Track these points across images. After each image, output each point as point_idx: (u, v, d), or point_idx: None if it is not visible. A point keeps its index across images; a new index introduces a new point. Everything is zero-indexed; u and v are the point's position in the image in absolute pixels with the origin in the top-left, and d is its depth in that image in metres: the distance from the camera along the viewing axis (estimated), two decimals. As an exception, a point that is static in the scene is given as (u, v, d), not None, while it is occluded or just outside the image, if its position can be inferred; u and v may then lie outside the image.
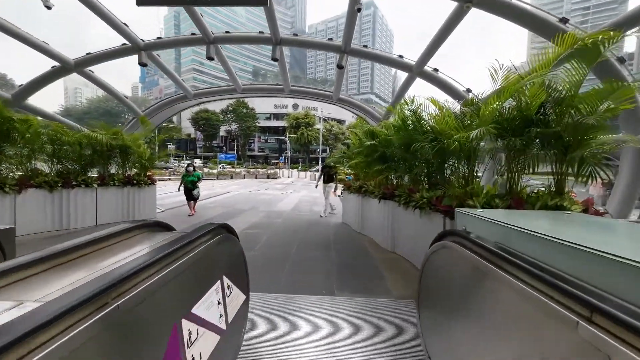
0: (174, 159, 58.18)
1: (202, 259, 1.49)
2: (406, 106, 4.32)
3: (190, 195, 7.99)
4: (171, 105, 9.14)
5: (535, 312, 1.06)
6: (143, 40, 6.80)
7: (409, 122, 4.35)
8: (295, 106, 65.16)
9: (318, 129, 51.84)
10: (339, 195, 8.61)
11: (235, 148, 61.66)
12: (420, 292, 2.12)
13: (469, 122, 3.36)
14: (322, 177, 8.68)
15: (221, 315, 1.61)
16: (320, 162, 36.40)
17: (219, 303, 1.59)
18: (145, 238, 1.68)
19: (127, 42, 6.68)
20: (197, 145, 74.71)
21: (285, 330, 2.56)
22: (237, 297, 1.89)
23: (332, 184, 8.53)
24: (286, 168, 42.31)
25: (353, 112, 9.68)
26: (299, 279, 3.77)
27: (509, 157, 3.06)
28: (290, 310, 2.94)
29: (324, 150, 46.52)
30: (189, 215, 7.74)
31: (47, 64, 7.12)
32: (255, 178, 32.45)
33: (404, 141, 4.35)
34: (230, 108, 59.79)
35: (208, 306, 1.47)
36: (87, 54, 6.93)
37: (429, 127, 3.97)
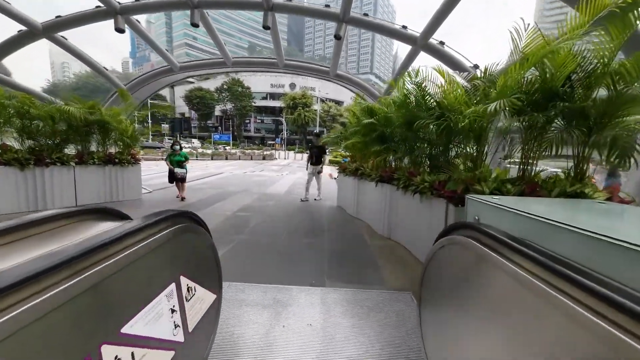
0: (168, 139, 57.08)
1: (148, 257, 1.15)
2: (409, 80, 3.88)
3: (173, 175, 7.19)
4: (156, 79, 8.52)
5: (585, 335, 0.76)
6: (119, 3, 6.14)
7: (412, 97, 3.93)
8: (292, 86, 63.45)
9: (315, 110, 50.72)
10: (334, 178, 8.27)
11: (231, 128, 60.46)
12: (422, 292, 1.82)
13: (479, 97, 2.96)
14: (310, 158, 7.83)
15: (177, 326, 1.30)
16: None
17: (172, 311, 1.27)
18: (78, 228, 1.32)
19: (101, 5, 6.02)
20: (192, 125, 73.20)
21: (269, 325, 2.29)
22: (202, 299, 1.57)
23: (320, 167, 7.82)
24: (282, 149, 41.67)
25: (351, 90, 9.15)
26: (288, 267, 3.49)
27: (526, 137, 2.70)
28: (276, 303, 2.67)
29: (321, 132, 45.71)
30: (182, 199, 7.23)
31: (13, 29, 6.45)
32: (251, 159, 31.93)
33: (406, 119, 3.95)
34: (225, 86, 58.05)
35: (155, 318, 1.15)
36: (57, 17, 6.26)
37: (434, 103, 3.56)
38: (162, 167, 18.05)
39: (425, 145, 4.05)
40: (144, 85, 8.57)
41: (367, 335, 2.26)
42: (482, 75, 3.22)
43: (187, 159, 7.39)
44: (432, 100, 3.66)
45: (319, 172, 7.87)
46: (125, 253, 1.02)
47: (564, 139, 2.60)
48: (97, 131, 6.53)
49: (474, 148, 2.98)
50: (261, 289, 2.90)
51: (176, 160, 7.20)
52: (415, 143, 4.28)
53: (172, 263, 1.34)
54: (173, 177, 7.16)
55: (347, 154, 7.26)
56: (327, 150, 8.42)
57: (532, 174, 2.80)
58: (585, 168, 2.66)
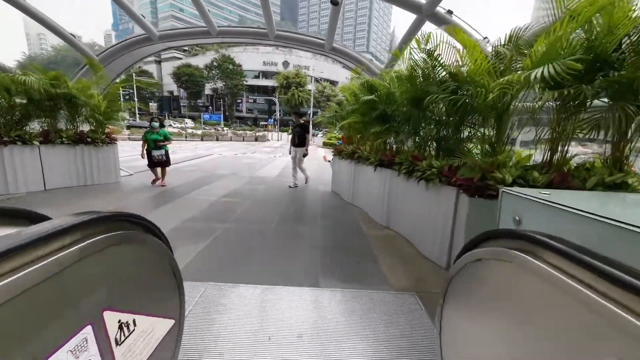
0: (158, 118, 54.77)
1: (41, 288, 0.71)
2: (417, 48, 3.36)
3: (153, 159, 6.26)
4: (132, 49, 7.71)
5: None
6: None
7: (420, 69, 3.42)
8: (285, 64, 61.28)
9: (309, 90, 49.21)
10: (328, 161, 7.80)
11: (222, 108, 58.61)
12: (443, 315, 1.43)
13: (504, 67, 2.48)
14: (293, 139, 7.04)
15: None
16: (310, 126, 34.92)
17: (88, 367, 0.84)
18: None
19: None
20: (181, 104, 70.67)
21: (253, 332, 1.91)
22: (150, 332, 1.15)
23: (303, 148, 7.05)
24: (276, 131, 40.66)
25: (348, 67, 8.49)
26: (276, 263, 3.10)
27: (559, 114, 2.27)
28: (262, 306, 2.28)
29: (315, 113, 44.62)
30: (161, 185, 6.51)
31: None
32: (243, 140, 31.08)
33: (412, 95, 3.46)
34: (215, 63, 55.63)
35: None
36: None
37: (447, 75, 3.06)
38: None
39: (433, 125, 3.60)
40: (119, 56, 7.75)
41: (367, 345, 1.90)
42: (505, 42, 2.73)
43: (167, 138, 6.42)
44: (444, 73, 3.16)
45: (304, 154, 7.17)
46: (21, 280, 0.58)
47: (605, 118, 2.18)
48: (65, 107, 5.85)
49: (494, 129, 2.54)
50: (245, 290, 2.51)
51: (152, 140, 6.24)
52: (421, 123, 3.82)
53: (89, 293, 0.90)
54: (152, 160, 6.29)
55: (342, 134, 6.73)
56: (320, 131, 7.77)
57: (562, 159, 2.39)
58: (624, 154, 2.26)
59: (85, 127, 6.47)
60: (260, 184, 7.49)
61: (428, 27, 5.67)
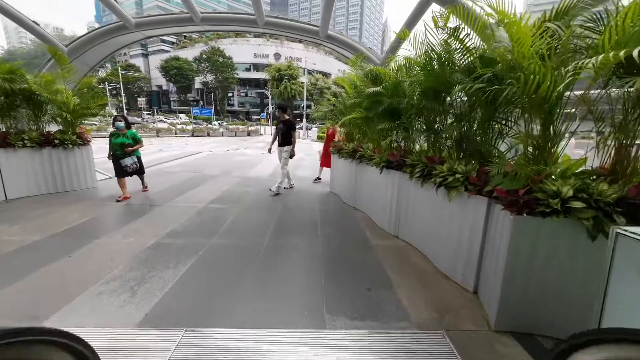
0: (147, 114, 53.22)
1: None
2: (432, 30, 2.78)
3: (121, 168, 5.09)
4: (106, 38, 6.93)
5: None
6: None
7: (437, 54, 2.85)
8: (277, 56, 59.89)
9: (302, 83, 48.10)
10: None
11: (213, 102, 57.19)
12: None
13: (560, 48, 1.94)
14: (276, 137, 6.10)
15: None
16: (304, 119, 34.14)
17: None
18: None
19: None
20: (171, 99, 68.73)
21: None
22: None
23: (289, 148, 6.01)
24: (269, 125, 39.76)
25: (344, 56, 7.86)
26: (271, 293, 2.56)
27: (633, 107, 1.75)
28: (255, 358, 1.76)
29: (308, 106, 43.72)
30: (143, 190, 5.80)
31: None
32: (235, 135, 30.21)
33: (428, 85, 2.90)
34: (204, 56, 53.96)
35: None
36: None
37: (473, 60, 2.49)
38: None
39: (452, 121, 3.05)
40: (92, 47, 6.98)
41: None
42: (551, 17, 2.18)
43: (137, 141, 5.29)
44: (468, 56, 2.59)
45: (290, 155, 6.07)
46: None
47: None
48: (25, 104, 5.14)
49: (541, 125, 2.02)
50: (232, 336, 1.97)
51: (119, 144, 5.02)
52: (436, 118, 3.27)
53: None
54: (119, 169, 5.12)
55: (343, 131, 6.15)
56: (314, 124, 7.01)
57: (631, 164, 1.88)
58: None
59: (55, 127, 5.77)
60: (252, 185, 6.90)
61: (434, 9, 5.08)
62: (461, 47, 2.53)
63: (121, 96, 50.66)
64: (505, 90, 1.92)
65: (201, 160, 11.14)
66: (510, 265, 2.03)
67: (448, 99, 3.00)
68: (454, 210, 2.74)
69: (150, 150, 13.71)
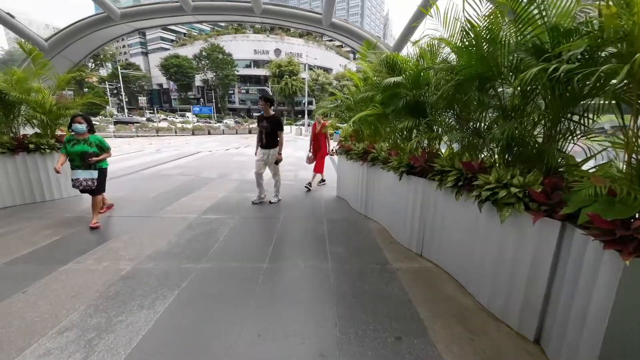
0: (149, 112, 52.52)
1: None
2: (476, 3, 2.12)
3: (75, 184, 3.78)
4: (89, 31, 6.32)
5: None
6: None
7: (485, 30, 2.18)
8: (277, 52, 59.03)
9: (303, 79, 47.21)
10: (331, 154, 6.56)
11: (214, 100, 56.56)
12: None
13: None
14: (260, 137, 4.93)
15: None
16: (306, 116, 33.40)
17: None
18: None
19: None
20: (172, 97, 68.11)
21: None
22: None
23: (274, 152, 4.90)
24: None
25: (349, 45, 7.19)
26: (269, 349, 1.95)
27: None
28: None
29: (309, 102, 42.92)
30: (92, 226, 3.88)
31: None
32: (236, 133, 29.68)
33: (472, 71, 2.24)
34: (204, 53, 53.19)
35: None
36: None
37: (543, 32, 1.82)
38: (134, 147, 15.81)
39: (498, 117, 2.40)
40: (75, 41, 6.37)
41: None
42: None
43: (104, 149, 3.97)
44: (531, 30, 1.92)
45: (276, 161, 4.96)
46: None
47: None
48: (-7, 106, 4.55)
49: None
50: None
51: (77, 152, 3.71)
52: (472, 114, 2.62)
53: None
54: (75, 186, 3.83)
55: (350, 128, 5.49)
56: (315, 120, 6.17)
57: None
58: None
59: (29, 130, 5.18)
60: (252, 190, 6.28)
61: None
62: (521, 15, 1.86)
63: (122, 95, 50.21)
64: (608, 70, 1.27)
65: (199, 161, 10.55)
66: (614, 325, 1.40)
67: (491, 88, 2.34)
68: (505, 233, 2.10)
69: (148, 151, 13.17)
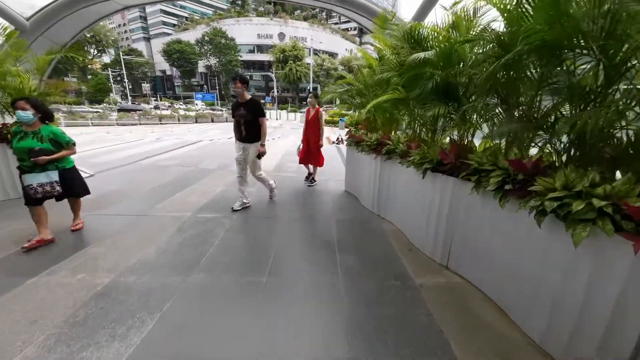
0: (154, 100, 51.77)
1: None
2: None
3: (29, 192, 2.87)
4: (75, 8, 5.74)
5: None
6: None
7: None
8: (281, 36, 57.33)
9: (308, 64, 45.79)
10: (335, 143, 5.97)
11: (217, 87, 55.59)
12: None
13: None
14: (239, 128, 3.99)
15: None
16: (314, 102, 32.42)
17: None
18: None
19: None
20: (175, 84, 67.15)
21: None
22: None
23: (255, 146, 4.02)
24: (274, 109, 38.24)
25: (359, 23, 6.50)
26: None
27: None
28: None
29: (314, 88, 41.74)
30: (23, 248, 2.92)
31: None
32: (239, 121, 28.89)
33: (537, 41, 1.66)
34: (206, 38, 51.80)
35: None
36: None
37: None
38: (135, 135, 15.33)
39: (563, 100, 1.84)
40: (59, 20, 5.80)
41: None
42: None
43: (62, 144, 3.06)
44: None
45: (259, 155, 4.04)
46: None
47: None
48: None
49: None
50: None
51: (25, 150, 2.81)
52: (525, 97, 2.05)
53: None
54: (28, 196, 2.92)
55: (358, 115, 4.90)
56: (320, 106, 5.23)
57: None
58: None
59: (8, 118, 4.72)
60: (252, 183, 5.82)
61: None
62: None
63: (125, 82, 49.51)
64: None
65: (200, 150, 10.08)
66: None
67: (562, 63, 1.76)
68: (576, 257, 1.59)
69: (148, 140, 12.73)
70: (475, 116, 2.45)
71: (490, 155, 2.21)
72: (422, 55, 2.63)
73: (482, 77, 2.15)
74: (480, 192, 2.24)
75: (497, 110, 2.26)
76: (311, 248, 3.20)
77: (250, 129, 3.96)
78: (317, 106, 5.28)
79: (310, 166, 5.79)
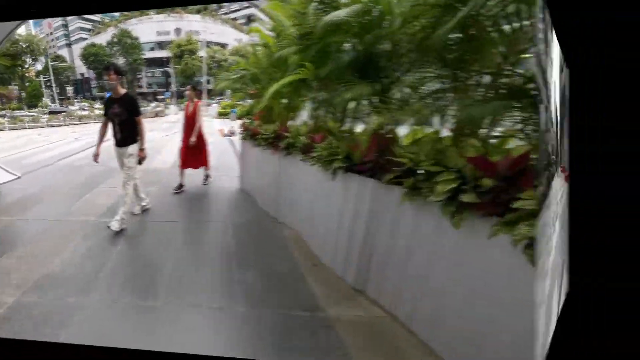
0: (77, 102, 32.78)
1: None
2: None
3: None
4: None
5: None
6: None
7: None
8: (177, 31, 46.03)
9: (201, 57, 37.80)
10: (227, 135, 4.13)
11: (127, 85, 40.47)
12: None
13: None
14: (113, 130, 2.42)
15: None
16: (206, 95, 26.19)
17: None
18: None
19: None
20: (92, 86, 44.72)
21: None
22: None
23: (134, 149, 2.38)
24: (173, 104, 30.00)
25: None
26: None
27: None
28: None
29: (207, 82, 34.91)
30: None
31: None
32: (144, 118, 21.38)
33: None
34: (115, 39, 36.16)
35: None
36: None
37: None
38: (60, 135, 8.36)
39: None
40: None
41: None
42: None
43: None
44: None
45: (140, 160, 2.45)
46: None
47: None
48: None
49: None
50: None
51: None
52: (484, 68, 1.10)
53: None
54: None
55: (256, 104, 3.22)
56: (213, 99, 3.41)
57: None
58: None
59: None
60: (155, 181, 3.21)
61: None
62: None
63: (53, 87, 29.51)
64: None
65: (111, 147, 5.84)
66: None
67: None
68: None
69: (67, 140, 7.31)
70: (406, 97, 1.39)
71: (436, 151, 1.16)
72: (330, 17, 1.38)
73: (425, 39, 1.02)
74: (417, 203, 1.18)
75: (442, 87, 1.25)
76: (209, 260, 1.95)
77: (126, 130, 2.45)
78: (196, 99, 3.22)
79: (186, 171, 3.43)
